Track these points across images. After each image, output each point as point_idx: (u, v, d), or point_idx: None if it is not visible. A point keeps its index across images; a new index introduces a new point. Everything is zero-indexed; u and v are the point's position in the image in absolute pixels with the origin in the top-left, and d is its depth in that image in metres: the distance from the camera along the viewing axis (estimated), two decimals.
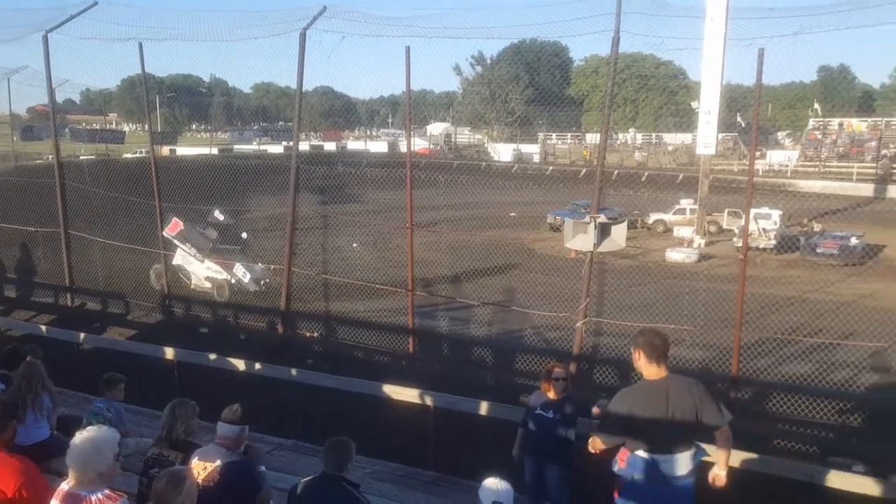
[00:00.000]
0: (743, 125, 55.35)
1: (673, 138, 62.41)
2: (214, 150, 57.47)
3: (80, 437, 3.53)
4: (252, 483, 4.34)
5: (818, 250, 23.87)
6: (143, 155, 34.65)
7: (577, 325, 9.53)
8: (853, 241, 23.91)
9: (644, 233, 29.65)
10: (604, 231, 8.80)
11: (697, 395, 4.30)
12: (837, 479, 6.05)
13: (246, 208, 21.14)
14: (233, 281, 16.15)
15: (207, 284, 16.34)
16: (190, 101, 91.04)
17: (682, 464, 4.32)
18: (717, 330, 10.32)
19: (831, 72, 75.49)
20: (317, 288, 13.86)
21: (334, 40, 11.40)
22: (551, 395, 5.91)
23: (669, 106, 76.29)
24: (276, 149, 56.84)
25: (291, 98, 12.46)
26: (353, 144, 74.85)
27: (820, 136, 55.70)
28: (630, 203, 30.04)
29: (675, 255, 24.77)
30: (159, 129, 62.48)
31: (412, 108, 12.03)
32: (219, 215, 17.00)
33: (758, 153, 47.85)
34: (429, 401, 7.78)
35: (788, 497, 6.24)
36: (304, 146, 49.41)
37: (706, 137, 29.15)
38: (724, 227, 29.40)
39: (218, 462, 4.28)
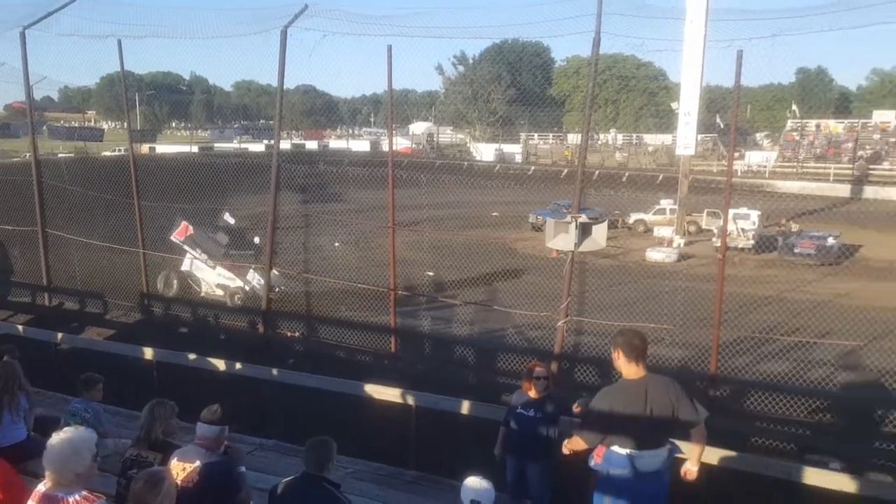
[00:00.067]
0: (722, 126, 55.93)
1: (653, 139, 62.86)
2: (194, 148, 57.08)
3: (57, 437, 3.49)
4: (232, 484, 4.31)
5: (795, 250, 24.20)
6: (122, 153, 34.26)
7: (559, 324, 9.57)
8: (830, 241, 24.26)
9: (625, 233, 29.87)
10: (585, 231, 8.84)
11: (674, 394, 4.43)
12: (814, 476, 6.13)
13: (226, 207, 20.99)
14: (246, 288, 15.29)
15: (219, 292, 15.53)
16: (170, 98, 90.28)
17: (658, 460, 4.45)
18: (696, 329, 10.41)
19: (809, 74, 76.47)
20: (298, 295, 13.81)
21: (316, 38, 11.37)
22: (532, 393, 5.93)
23: (650, 107, 76.89)
24: (258, 147, 56.51)
25: (272, 96, 12.41)
26: (335, 143, 74.70)
27: (798, 138, 56.41)
28: (611, 203, 30.22)
29: (655, 255, 24.98)
30: (139, 127, 61.78)
31: (394, 108, 12.02)
32: (229, 218, 16.21)
33: (736, 154, 48.53)
34: (411, 400, 7.77)
35: (766, 494, 6.31)
36: (285, 145, 49.12)
37: (686, 138, 29.40)
38: (704, 227, 29.72)
39: (197, 463, 4.25)
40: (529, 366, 6.12)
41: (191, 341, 11.16)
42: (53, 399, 8.15)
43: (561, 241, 8.99)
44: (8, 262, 16.00)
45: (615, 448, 4.44)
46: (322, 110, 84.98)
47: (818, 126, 57.97)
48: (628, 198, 33.85)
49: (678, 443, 4.69)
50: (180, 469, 4.23)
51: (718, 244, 13.65)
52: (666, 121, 55.22)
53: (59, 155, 27.56)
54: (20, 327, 11.24)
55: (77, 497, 3.41)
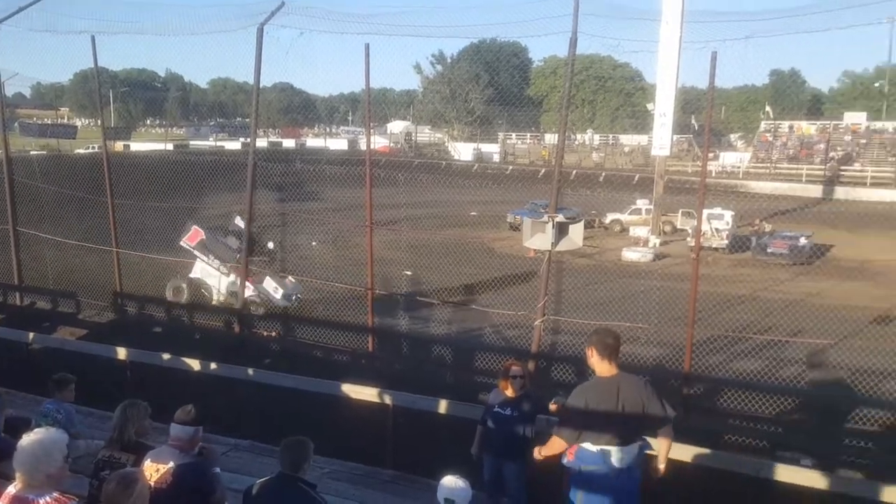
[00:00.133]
0: (697, 127, 56.64)
1: (629, 139, 63.41)
2: (169, 146, 56.51)
3: (28, 439, 3.44)
4: (206, 485, 4.27)
5: (768, 250, 24.57)
6: (96, 150, 33.81)
7: (536, 323, 9.62)
8: (802, 241, 24.66)
9: (601, 232, 30.09)
10: (561, 230, 8.89)
11: (645, 393, 4.55)
12: (786, 473, 6.22)
13: (202, 205, 20.79)
14: (263, 296, 14.44)
15: (232, 300, 14.35)
16: (144, 95, 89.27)
17: (629, 456, 4.53)
18: (670, 327, 10.53)
19: (782, 75, 77.63)
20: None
21: (292, 36, 11.32)
22: (509, 392, 5.95)
23: (626, 107, 77.56)
24: (234, 145, 56.06)
25: (249, 94, 12.31)
26: (312, 142, 74.41)
27: (771, 139, 57.28)
28: (588, 203, 30.42)
29: (631, 255, 25.21)
30: (113, 125, 61.14)
31: (372, 106, 11.99)
32: (239, 222, 14.83)
33: (711, 155, 49.12)
34: (388, 400, 7.76)
35: (739, 491, 6.39)
36: (262, 143, 48.82)
37: (661, 139, 29.74)
38: (679, 226, 30.04)
39: (171, 464, 4.21)
40: (506, 365, 6.14)
41: (165, 341, 11.03)
42: (24, 400, 7.99)
43: (538, 240, 9.04)
44: None
45: (587, 445, 4.52)
46: (299, 108, 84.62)
47: (791, 127, 58.94)
48: (605, 198, 34.13)
49: (648, 439, 4.79)
50: (154, 470, 4.19)
51: (693, 244, 13.82)
52: (642, 121, 55.79)
53: (32, 152, 27.08)
54: None
55: (48, 499, 3.36)
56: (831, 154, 51.06)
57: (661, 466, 4.77)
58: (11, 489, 3.42)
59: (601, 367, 4.56)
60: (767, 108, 66.75)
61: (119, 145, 48.92)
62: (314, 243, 18.41)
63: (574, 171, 44.04)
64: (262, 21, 10.95)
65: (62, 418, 5.91)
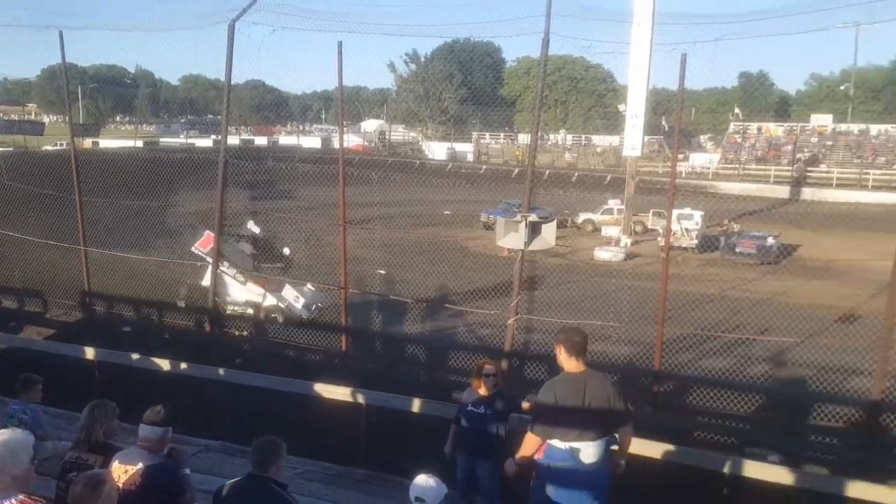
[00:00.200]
0: (667, 128, 57.31)
1: (601, 140, 63.94)
2: (139, 143, 55.70)
3: None
4: (176, 486, 4.22)
5: (737, 249, 24.96)
6: (65, 147, 33.21)
7: (509, 321, 9.65)
8: (769, 240, 25.09)
9: (574, 232, 30.32)
10: (534, 230, 8.94)
11: (611, 390, 4.70)
12: (754, 469, 6.33)
13: (172, 203, 20.51)
14: (282, 306, 13.84)
15: (249, 311, 13.74)
16: (114, 92, 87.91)
17: (597, 452, 4.62)
18: (641, 326, 10.63)
19: (751, 78, 78.95)
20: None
21: (265, 33, 11.22)
22: (482, 391, 5.97)
23: (598, 108, 78.29)
24: (205, 142, 55.47)
25: (221, 91, 12.13)
26: (285, 139, 73.86)
27: (740, 140, 58.18)
28: (560, 203, 30.66)
29: (602, 254, 25.45)
30: (81, 121, 60.04)
31: (346, 104, 11.94)
32: (253, 227, 14.33)
33: (681, 156, 49.73)
34: (361, 399, 7.75)
35: (708, 487, 6.49)
36: (233, 140, 48.39)
37: (632, 140, 30.03)
38: (650, 226, 30.40)
39: (140, 465, 4.16)
40: (479, 363, 6.16)
41: (134, 341, 10.89)
42: None
43: (511, 239, 9.08)
44: None
45: (555, 442, 4.61)
46: (271, 106, 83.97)
47: (759, 129, 59.97)
48: (577, 198, 34.42)
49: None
50: (122, 472, 4.13)
51: (663, 244, 13.99)
52: (614, 122, 56.28)
53: None
54: None
55: (14, 501, 3.30)
56: (798, 155, 52.04)
57: (622, 462, 4.89)
58: None
59: (569, 363, 4.69)
60: (736, 110, 67.87)
61: (88, 142, 48.08)
62: (286, 250, 17.32)
63: (547, 171, 44.36)
64: (234, 18, 10.83)
65: (28, 419, 5.81)
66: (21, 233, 13.95)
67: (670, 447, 6.44)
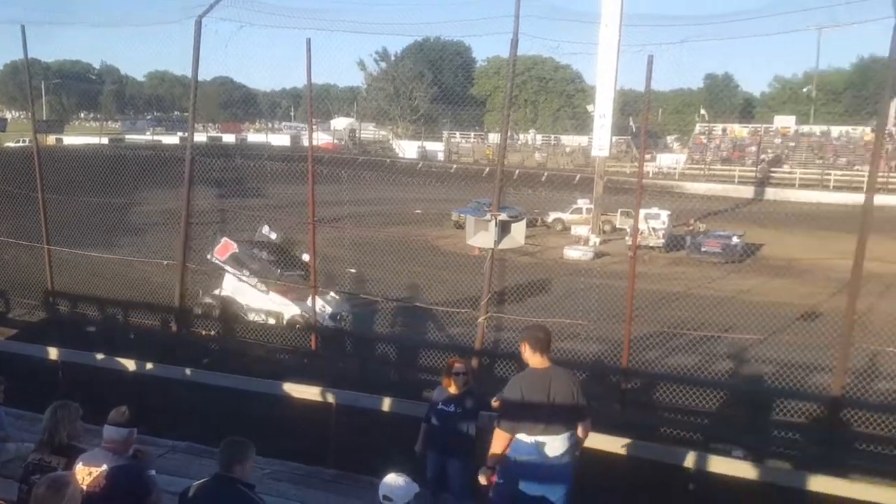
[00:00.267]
0: (635, 129, 57.95)
1: (570, 140, 64.41)
2: (104, 140, 54.69)
3: None
4: (141, 488, 4.17)
5: (702, 249, 25.39)
6: (27, 144, 32.45)
7: (479, 320, 9.69)
8: (734, 240, 25.55)
9: (543, 231, 30.53)
10: (504, 229, 8.98)
11: (574, 386, 4.82)
12: (719, 464, 6.44)
13: (137, 201, 20.16)
14: (307, 315, 12.68)
15: (272, 321, 13.04)
16: (78, 88, 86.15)
17: (561, 445, 4.71)
18: (609, 324, 10.74)
19: (716, 80, 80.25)
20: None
21: (232, 29, 11.09)
22: (452, 389, 5.99)
23: (567, 108, 78.84)
24: (172, 139, 54.61)
25: (187, 87, 11.95)
26: (253, 137, 73.08)
27: (705, 141, 59.08)
28: (530, 202, 30.79)
29: (572, 253, 25.68)
30: (44, 117, 58.82)
31: (315, 102, 11.85)
32: (269, 233, 13.86)
33: (648, 156, 50.32)
34: (330, 398, 7.70)
35: (673, 481, 6.58)
36: (200, 137, 47.70)
37: (601, 140, 30.37)
38: (618, 226, 30.75)
39: (104, 466, 4.10)
40: (449, 362, 6.19)
41: (99, 341, 10.70)
42: None
43: (481, 238, 9.11)
44: None
45: (521, 436, 4.68)
46: (239, 103, 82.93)
47: (724, 130, 60.94)
48: (547, 197, 34.64)
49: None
50: (86, 473, 4.07)
51: (631, 242, 14.15)
52: (582, 123, 56.73)
53: None
54: None
55: None
56: (762, 156, 53.05)
57: (577, 453, 4.97)
58: None
59: (534, 360, 4.80)
60: (702, 111, 68.94)
61: (51, 139, 47.06)
62: (305, 256, 16.39)
63: (517, 171, 44.51)
64: (201, 13, 10.69)
65: None
66: None
67: (636, 442, 6.52)
